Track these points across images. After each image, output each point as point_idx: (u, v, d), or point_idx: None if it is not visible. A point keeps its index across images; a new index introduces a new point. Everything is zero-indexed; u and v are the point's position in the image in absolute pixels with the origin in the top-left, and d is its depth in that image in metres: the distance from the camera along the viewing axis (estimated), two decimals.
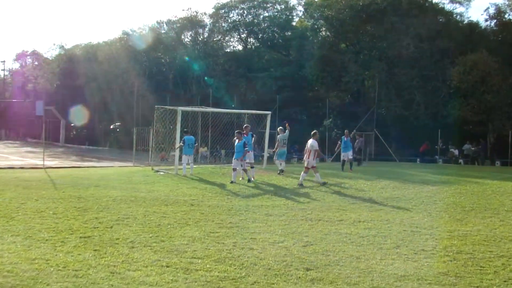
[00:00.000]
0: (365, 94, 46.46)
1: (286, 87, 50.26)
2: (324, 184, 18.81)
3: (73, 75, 63.56)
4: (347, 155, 25.44)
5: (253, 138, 22.14)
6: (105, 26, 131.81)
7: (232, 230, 10.55)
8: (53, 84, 67.52)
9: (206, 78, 53.31)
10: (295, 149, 46.33)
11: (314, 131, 20.06)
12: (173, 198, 15.19)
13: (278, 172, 22.37)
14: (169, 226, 10.73)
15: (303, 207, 13.94)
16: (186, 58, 54.75)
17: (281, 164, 23.01)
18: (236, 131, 20.88)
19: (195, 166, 24.31)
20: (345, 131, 26.87)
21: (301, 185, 18.61)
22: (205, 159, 35.79)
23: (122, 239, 9.39)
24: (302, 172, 19.05)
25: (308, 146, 19.20)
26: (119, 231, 10.13)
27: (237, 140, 20.11)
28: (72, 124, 69.96)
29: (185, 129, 23.60)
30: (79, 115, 60.50)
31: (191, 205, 13.90)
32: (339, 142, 26.12)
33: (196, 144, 27.10)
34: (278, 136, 23.30)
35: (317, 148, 19.16)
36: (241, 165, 19.81)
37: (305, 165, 19.40)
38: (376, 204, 14.65)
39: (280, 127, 23.95)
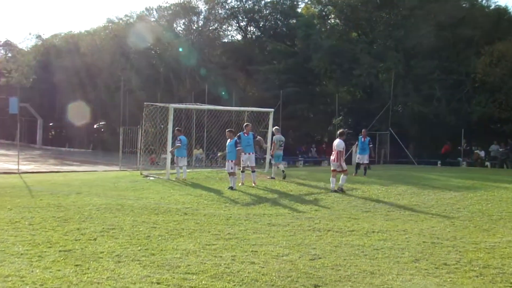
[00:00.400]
0: (379, 89, 46.45)
1: (290, 81, 50.25)
2: (340, 191, 18.63)
3: (52, 69, 63.63)
4: (364, 158, 25.18)
5: (256, 138, 21.88)
6: (87, 13, 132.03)
7: (231, 242, 10.52)
8: (29, 78, 67.48)
9: (201, 70, 53.26)
10: (301, 150, 46.38)
11: (341, 130, 19.88)
12: (165, 206, 15.17)
13: (283, 177, 22.32)
14: (160, 238, 10.71)
15: (310, 216, 13.91)
16: (179, 49, 54.70)
17: (278, 167, 22.92)
18: (227, 130, 20.69)
19: (188, 170, 24.31)
20: (363, 130, 26.43)
21: (341, 190, 18.52)
22: (200, 163, 35.77)
23: (107, 253, 9.36)
24: (342, 175, 18.88)
25: (334, 146, 19.04)
26: (103, 243, 10.10)
27: (228, 140, 20.05)
28: (50, 124, 70.01)
29: (178, 128, 23.63)
30: (79, 113, 60.35)
31: (185, 214, 13.88)
32: (356, 143, 25.78)
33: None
34: (274, 137, 23.18)
35: (341, 150, 18.86)
36: (231, 168, 19.57)
37: (333, 168, 19.13)
38: (392, 213, 14.61)
39: (276, 127, 23.90)
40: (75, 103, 60.14)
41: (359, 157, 25.54)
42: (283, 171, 22.67)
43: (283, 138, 23.21)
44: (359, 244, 10.44)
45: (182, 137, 23.09)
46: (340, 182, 18.71)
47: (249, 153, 20.70)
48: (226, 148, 20.04)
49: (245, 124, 22.02)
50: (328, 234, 11.52)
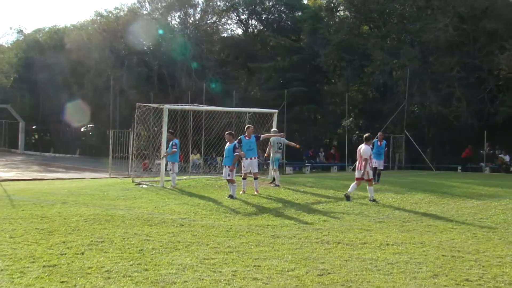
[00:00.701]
0: (393, 87, 46.45)
1: (295, 80, 50.35)
2: (373, 201, 18.66)
3: (35, 67, 63.75)
4: (380, 163, 25.01)
5: (258, 140, 21.75)
6: (73, 5, 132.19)
7: (231, 255, 10.52)
8: (10, 77, 67.67)
9: (198, 67, 53.22)
10: (308, 155, 46.38)
11: (367, 134, 19.74)
12: (159, 216, 15.17)
13: (272, 183, 22.35)
14: (153, 252, 10.70)
15: (318, 227, 13.90)
16: (174, 45, 54.74)
17: (274, 172, 22.92)
18: (227, 132, 20.48)
19: (185, 177, 24.33)
20: (379, 133, 26.30)
21: (374, 200, 18.53)
22: (197, 169, 35.79)
23: (95, 268, 9.36)
24: (368, 186, 18.89)
25: (360, 152, 19.01)
26: (92, 258, 10.09)
27: (227, 143, 19.96)
28: (33, 127, 70.03)
29: (171, 130, 23.64)
30: (65, 115, 60.45)
31: (181, 225, 13.88)
32: (370, 146, 25.29)
33: None
34: (270, 139, 23.07)
35: (367, 157, 18.79)
36: (228, 175, 19.48)
37: (357, 175, 19.06)
38: (408, 223, 14.60)
39: (274, 129, 23.86)
40: (61, 104, 60.21)
41: (375, 163, 24.53)
42: (274, 180, 22.70)
43: (281, 140, 23.13)
44: (372, 258, 10.43)
45: (177, 141, 23.17)
46: (369, 194, 18.71)
47: (251, 158, 20.57)
48: (224, 153, 19.95)
49: (247, 126, 21.93)
50: (338, 247, 11.51)
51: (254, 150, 20.80)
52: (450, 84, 41.78)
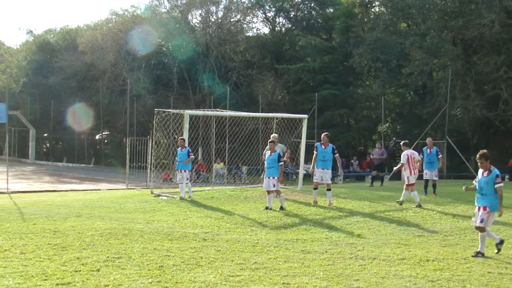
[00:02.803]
0: (433, 90, 46.21)
1: (327, 82, 50.30)
2: (419, 206, 19.90)
3: (46, 70, 64.21)
4: (433, 174, 24.31)
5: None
6: (87, 4, 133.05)
7: (258, 272, 10.56)
8: (19, 81, 68.24)
9: (221, 69, 53.22)
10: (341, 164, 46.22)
11: (404, 141, 21.58)
12: (180, 230, 15.25)
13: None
14: (174, 268, 10.77)
15: (352, 242, 13.90)
16: (196, 45, 54.79)
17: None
18: (269, 141, 20.66)
19: (208, 188, 24.39)
20: (428, 139, 25.68)
21: (419, 206, 19.90)
22: (221, 179, 35.88)
23: (112, 286, 9.44)
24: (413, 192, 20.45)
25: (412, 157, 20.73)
26: (108, 275, 10.19)
27: (269, 152, 20.14)
28: (45, 134, 70.49)
29: (182, 137, 23.58)
30: (78, 122, 60.87)
31: (204, 239, 13.95)
32: (420, 155, 24.36)
33: None
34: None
35: (405, 162, 20.64)
36: (273, 185, 19.67)
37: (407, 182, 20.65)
38: (450, 237, 14.54)
39: (274, 134, 23.74)
40: (74, 110, 60.64)
41: (426, 173, 24.47)
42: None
43: (284, 148, 23.14)
44: (410, 275, 10.42)
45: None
46: (401, 197, 19.81)
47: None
48: (266, 163, 20.16)
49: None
50: (374, 262, 11.50)
51: (329, 161, 21.33)
52: (496, 85, 41.50)
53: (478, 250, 12.25)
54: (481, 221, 12.35)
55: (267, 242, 13.67)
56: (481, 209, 12.49)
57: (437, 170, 24.62)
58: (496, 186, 12.41)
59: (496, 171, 12.62)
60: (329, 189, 21.02)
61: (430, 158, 24.28)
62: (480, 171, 12.83)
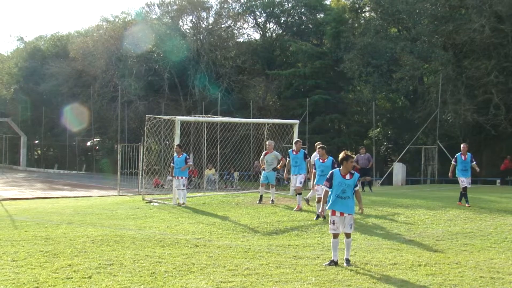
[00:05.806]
0: (424, 94, 46.36)
1: (318, 87, 50.43)
2: None
3: (37, 76, 64.16)
4: (468, 180, 22.87)
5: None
6: (78, 11, 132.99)
7: (250, 278, 10.56)
8: (10, 88, 68.14)
9: (212, 75, 53.25)
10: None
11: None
12: (172, 237, 15.24)
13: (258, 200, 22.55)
14: (166, 275, 10.77)
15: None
16: (187, 51, 54.81)
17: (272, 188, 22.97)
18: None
19: (199, 194, 24.39)
20: (462, 145, 23.77)
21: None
22: (213, 185, 35.86)
23: None
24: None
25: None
26: (100, 282, 10.18)
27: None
28: (36, 141, 70.34)
29: (178, 144, 23.61)
30: (70, 129, 60.74)
31: (195, 246, 13.94)
32: (453, 162, 23.41)
33: None
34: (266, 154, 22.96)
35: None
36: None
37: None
38: (442, 242, 14.56)
39: (270, 141, 23.72)
40: (65, 116, 60.56)
41: (463, 181, 22.84)
42: (261, 195, 22.73)
43: (274, 158, 22.98)
44: (402, 280, 10.44)
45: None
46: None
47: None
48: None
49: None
50: (366, 268, 11.52)
51: (301, 166, 21.44)
52: (486, 90, 41.58)
53: None
54: None
55: (259, 248, 13.67)
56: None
57: (470, 178, 23.22)
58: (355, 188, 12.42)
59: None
60: (299, 193, 21.13)
61: (465, 165, 22.87)
62: None
